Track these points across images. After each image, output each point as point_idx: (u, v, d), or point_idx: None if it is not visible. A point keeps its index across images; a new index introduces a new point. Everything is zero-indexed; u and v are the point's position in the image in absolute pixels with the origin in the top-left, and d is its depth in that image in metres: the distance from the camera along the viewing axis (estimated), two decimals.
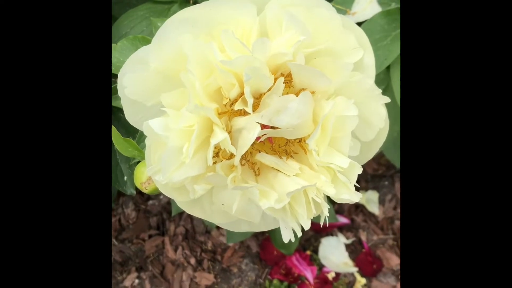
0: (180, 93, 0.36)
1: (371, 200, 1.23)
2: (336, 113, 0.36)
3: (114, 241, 1.25)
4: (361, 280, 1.17)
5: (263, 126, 0.36)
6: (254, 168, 0.40)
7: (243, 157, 0.39)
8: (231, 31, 0.33)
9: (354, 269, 1.18)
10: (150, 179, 0.44)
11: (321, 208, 0.38)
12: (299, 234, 0.39)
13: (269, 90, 0.36)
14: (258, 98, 0.37)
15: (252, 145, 0.38)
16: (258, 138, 0.37)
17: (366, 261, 1.18)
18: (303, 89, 0.38)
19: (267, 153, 0.39)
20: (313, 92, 0.38)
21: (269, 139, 0.39)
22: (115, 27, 0.68)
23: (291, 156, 0.40)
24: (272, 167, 0.39)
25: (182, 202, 0.41)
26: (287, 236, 0.40)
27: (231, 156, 0.38)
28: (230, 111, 0.37)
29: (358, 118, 0.36)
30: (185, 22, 0.35)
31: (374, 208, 1.23)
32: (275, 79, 0.36)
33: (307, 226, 0.38)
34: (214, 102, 0.36)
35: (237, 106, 0.35)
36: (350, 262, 1.18)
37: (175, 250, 1.23)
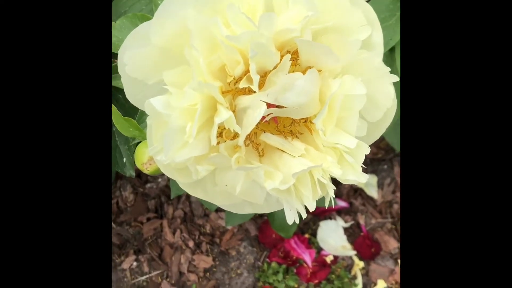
0: (183, 71, 0.35)
1: (369, 184, 1.22)
2: (344, 92, 0.35)
3: (112, 224, 1.25)
4: (359, 263, 1.17)
5: (269, 105, 0.35)
6: (258, 148, 0.39)
7: (247, 138, 0.38)
8: (236, 6, 0.32)
9: (352, 252, 1.18)
10: (152, 159, 0.43)
11: (327, 189, 0.37)
12: (304, 216, 0.38)
13: (275, 67, 0.35)
14: (263, 76, 0.36)
15: (256, 125, 0.37)
16: (263, 117, 0.36)
17: (364, 244, 1.18)
18: (310, 67, 0.36)
19: (272, 134, 0.38)
20: (320, 71, 0.37)
21: (274, 119, 0.38)
22: (113, 5, 0.66)
23: (296, 136, 0.39)
24: (277, 148, 0.38)
25: (184, 183, 0.40)
26: (291, 218, 0.39)
27: (235, 136, 0.37)
28: (234, 90, 0.36)
29: (366, 97, 0.35)
30: None
31: (372, 191, 1.22)
32: (282, 56, 0.35)
33: (312, 208, 0.37)
34: (218, 80, 0.35)
35: (242, 84, 0.34)
36: (348, 246, 1.18)
37: (174, 233, 1.22)
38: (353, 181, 0.37)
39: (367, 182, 1.23)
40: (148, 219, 1.24)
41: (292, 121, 0.39)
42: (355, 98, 0.35)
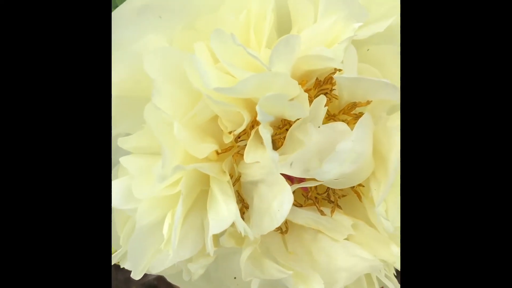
0: (149, 131, 0.21)
1: None
2: None
3: None
4: None
5: (292, 178, 0.22)
6: None
7: None
8: (228, 34, 0.18)
9: None
10: None
11: None
12: None
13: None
14: (280, 127, 0.22)
15: None
16: None
17: None
18: (354, 104, 0.23)
19: (300, 205, 0.25)
20: (367, 103, 0.23)
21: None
22: None
23: (337, 205, 0.25)
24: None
25: (174, 275, 0.27)
26: None
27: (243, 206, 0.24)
28: (235, 147, 0.23)
29: None
30: (146, 12, 0.20)
31: None
32: (308, 91, 0.22)
33: None
34: (209, 137, 0.22)
35: (248, 156, 0.21)
36: None
37: None
38: None
39: None
40: None
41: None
42: None
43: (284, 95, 0.18)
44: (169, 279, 0.28)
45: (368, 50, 0.23)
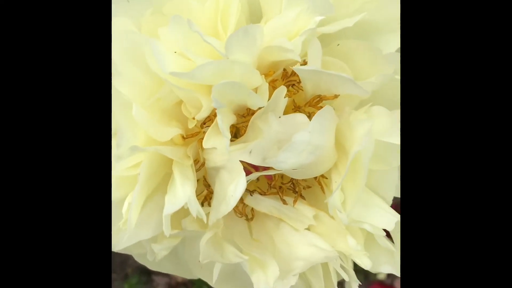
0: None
1: None
2: (375, 137, 0.22)
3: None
4: None
5: (254, 166, 0.22)
6: (244, 211, 0.26)
7: None
8: (185, 20, 0.18)
9: None
10: None
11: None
12: None
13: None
14: (244, 116, 0.23)
15: None
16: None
17: None
18: (319, 97, 0.23)
19: (264, 193, 0.25)
20: (334, 96, 0.23)
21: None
22: None
23: (300, 195, 0.26)
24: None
25: (140, 255, 0.28)
26: None
27: (209, 193, 0.24)
28: (201, 132, 0.23)
29: None
30: None
31: None
32: (272, 83, 0.22)
33: None
34: (175, 122, 0.22)
35: (207, 141, 0.21)
36: None
37: None
38: (389, 271, 0.24)
39: None
40: None
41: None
42: (393, 148, 0.22)
43: (239, 84, 0.19)
44: (136, 259, 0.28)
45: (338, 45, 0.23)
